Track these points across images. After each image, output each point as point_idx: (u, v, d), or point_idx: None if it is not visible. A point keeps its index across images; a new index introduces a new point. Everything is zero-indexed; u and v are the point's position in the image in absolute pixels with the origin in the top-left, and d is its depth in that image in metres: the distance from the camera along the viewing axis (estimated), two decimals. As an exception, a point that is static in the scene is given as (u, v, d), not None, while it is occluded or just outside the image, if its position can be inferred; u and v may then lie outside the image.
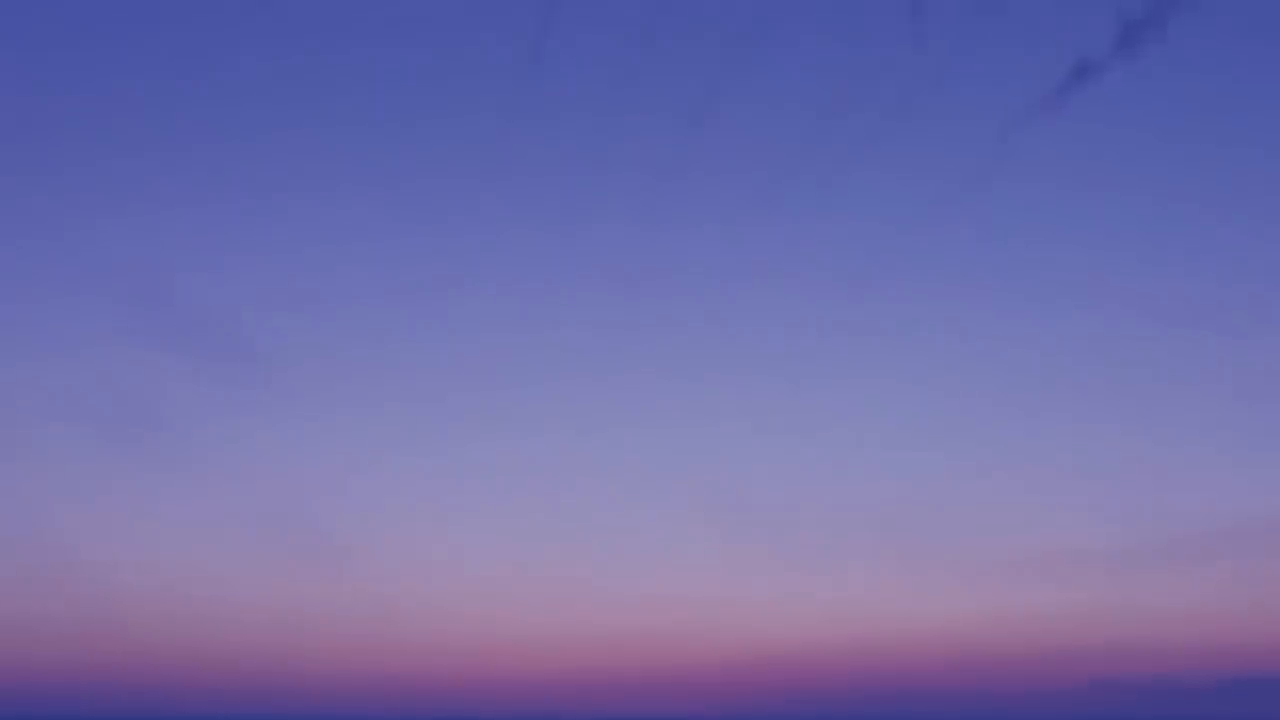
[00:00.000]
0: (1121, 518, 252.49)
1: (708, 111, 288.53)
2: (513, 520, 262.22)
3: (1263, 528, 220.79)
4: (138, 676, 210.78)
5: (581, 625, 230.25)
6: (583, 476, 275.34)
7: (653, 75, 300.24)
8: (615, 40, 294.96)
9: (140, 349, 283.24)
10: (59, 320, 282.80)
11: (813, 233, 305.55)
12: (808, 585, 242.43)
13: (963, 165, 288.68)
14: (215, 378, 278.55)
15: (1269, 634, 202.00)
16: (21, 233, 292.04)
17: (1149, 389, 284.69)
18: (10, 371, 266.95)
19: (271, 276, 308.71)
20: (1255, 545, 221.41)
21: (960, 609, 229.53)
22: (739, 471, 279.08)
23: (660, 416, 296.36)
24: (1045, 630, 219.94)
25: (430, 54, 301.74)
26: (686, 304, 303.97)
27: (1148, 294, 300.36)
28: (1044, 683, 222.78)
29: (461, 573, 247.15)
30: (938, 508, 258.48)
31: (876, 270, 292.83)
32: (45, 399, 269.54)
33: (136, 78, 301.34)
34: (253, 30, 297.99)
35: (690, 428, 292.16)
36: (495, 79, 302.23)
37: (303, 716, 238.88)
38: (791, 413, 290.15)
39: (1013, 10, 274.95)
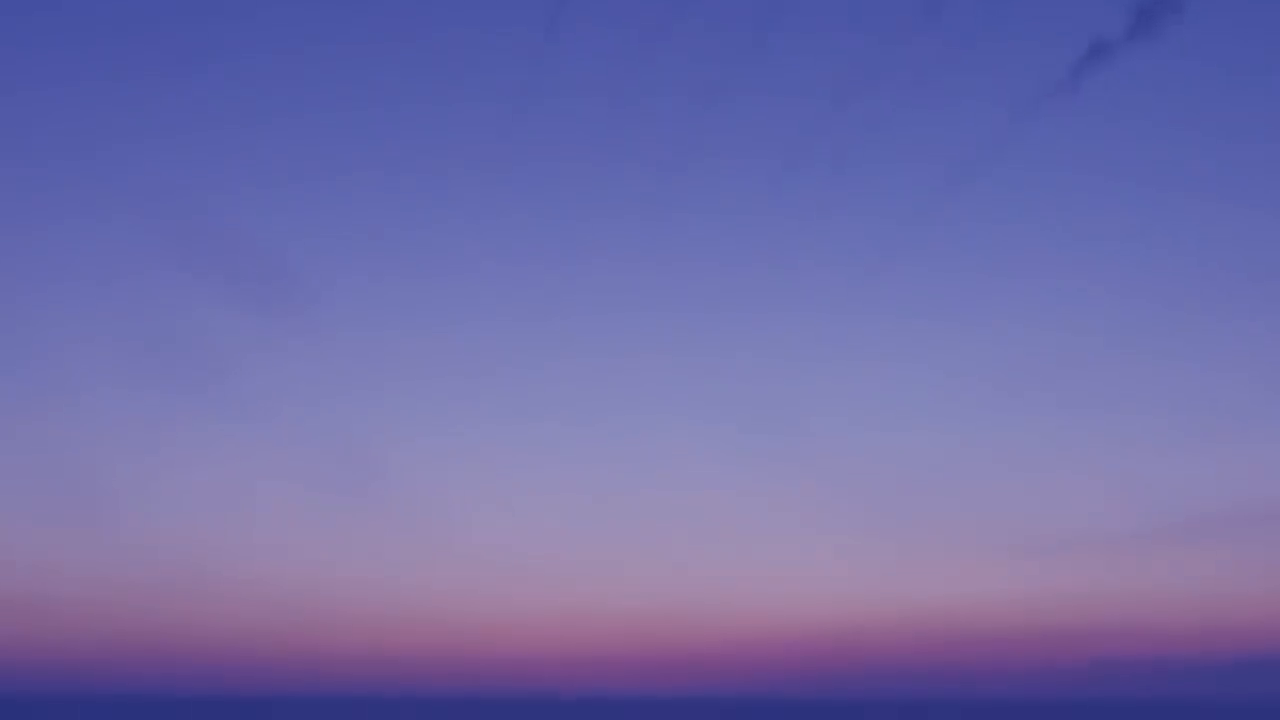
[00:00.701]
0: (1127, 499, 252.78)
1: (718, 97, 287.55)
2: (541, 494, 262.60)
3: (1272, 510, 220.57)
4: (163, 633, 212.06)
5: (610, 604, 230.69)
6: (613, 457, 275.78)
7: (663, 61, 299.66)
8: (626, 26, 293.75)
9: (185, 285, 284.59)
10: (104, 259, 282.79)
11: (822, 216, 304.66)
12: (819, 565, 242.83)
13: (973, 149, 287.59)
14: (263, 324, 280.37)
15: (1277, 615, 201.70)
16: (63, 166, 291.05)
17: (1159, 371, 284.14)
18: (52, 309, 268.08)
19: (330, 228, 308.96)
20: (1263, 527, 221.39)
21: (965, 589, 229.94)
22: (748, 454, 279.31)
23: (670, 399, 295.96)
24: (1048, 610, 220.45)
25: (449, 37, 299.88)
26: (690, 288, 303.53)
27: (1161, 277, 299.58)
28: (1046, 662, 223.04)
29: (502, 544, 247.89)
30: (942, 489, 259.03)
31: (885, 253, 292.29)
32: (87, 336, 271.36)
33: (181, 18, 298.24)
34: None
35: (698, 410, 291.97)
36: (510, 63, 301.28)
37: (340, 677, 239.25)
38: (802, 395, 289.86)
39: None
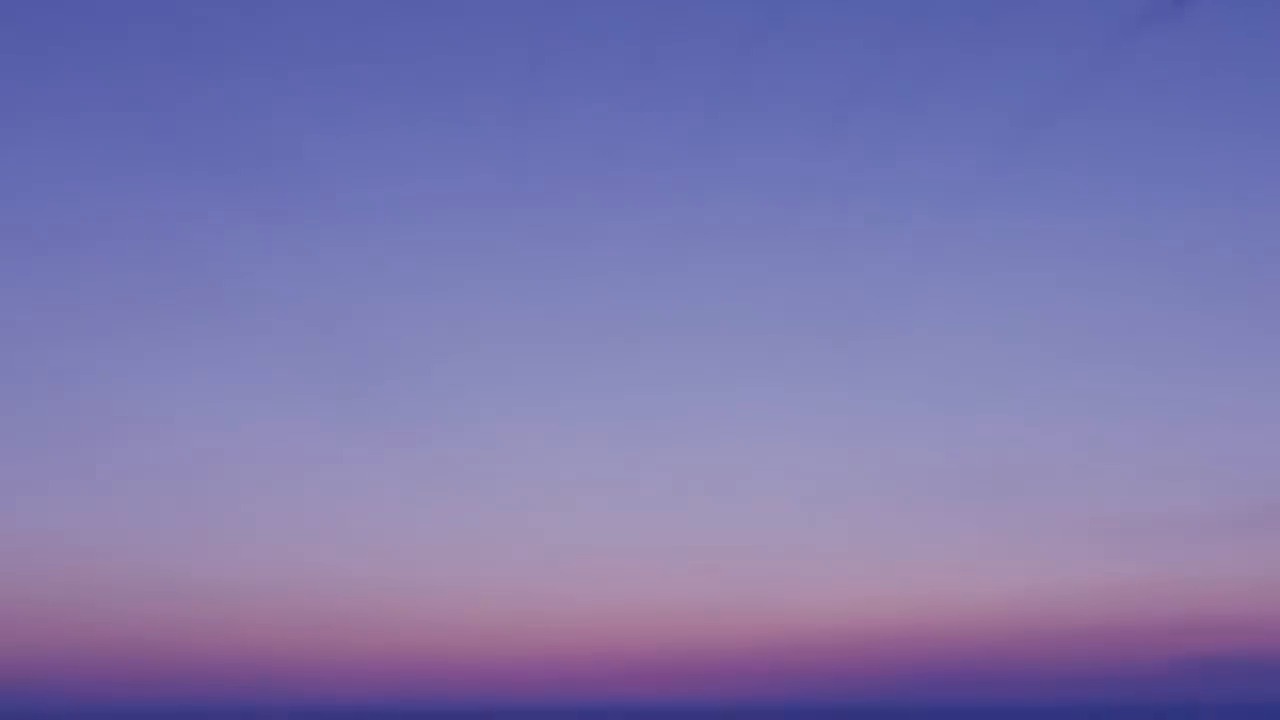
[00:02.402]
0: (1207, 482, 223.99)
1: (761, 40, 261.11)
2: (521, 492, 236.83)
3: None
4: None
5: (628, 601, 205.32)
6: (606, 440, 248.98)
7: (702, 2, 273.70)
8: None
9: (165, 180, 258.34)
10: (70, 154, 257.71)
11: (879, 168, 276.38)
12: (872, 559, 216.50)
13: (1051, 87, 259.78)
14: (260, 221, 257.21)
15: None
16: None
17: (1238, 344, 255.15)
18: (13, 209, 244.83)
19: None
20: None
21: (1028, 581, 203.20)
22: (790, 438, 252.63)
23: (697, 375, 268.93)
24: (1120, 604, 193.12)
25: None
26: (732, 245, 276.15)
27: (1247, 235, 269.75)
28: (1120, 660, 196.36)
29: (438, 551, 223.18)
30: (1002, 474, 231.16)
31: (943, 213, 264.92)
32: (65, 239, 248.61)
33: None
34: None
35: (731, 387, 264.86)
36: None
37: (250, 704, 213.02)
38: (849, 368, 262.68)
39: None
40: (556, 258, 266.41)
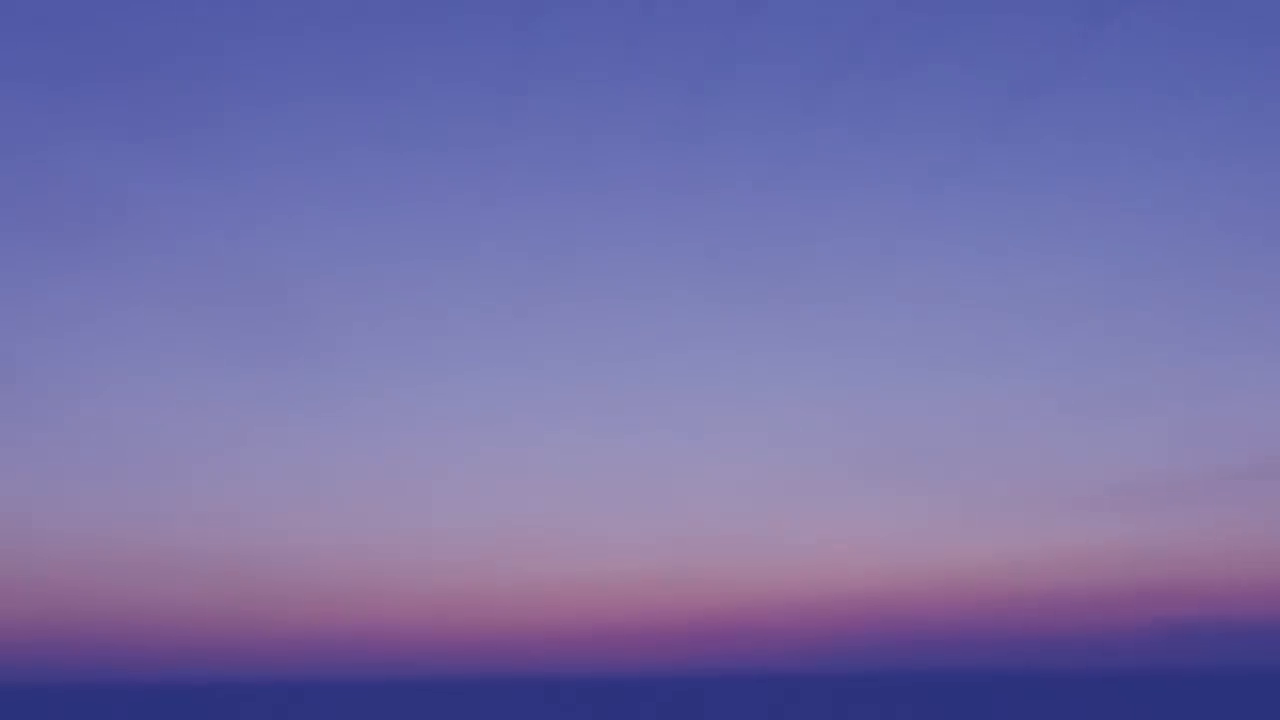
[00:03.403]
0: (1175, 446, 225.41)
1: (752, 2, 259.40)
2: (533, 457, 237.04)
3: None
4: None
5: (614, 570, 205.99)
6: (611, 409, 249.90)
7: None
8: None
9: (66, 115, 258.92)
10: None
11: (868, 134, 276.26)
12: (856, 524, 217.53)
13: (1038, 61, 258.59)
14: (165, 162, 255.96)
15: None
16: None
17: (1207, 310, 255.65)
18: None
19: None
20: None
21: (997, 547, 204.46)
22: (778, 401, 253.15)
23: (694, 343, 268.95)
24: (1090, 569, 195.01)
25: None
26: (727, 216, 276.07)
27: (1226, 204, 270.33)
28: (1091, 625, 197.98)
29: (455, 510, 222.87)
30: (970, 439, 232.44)
31: (935, 177, 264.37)
32: None
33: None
34: None
35: (693, 352, 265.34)
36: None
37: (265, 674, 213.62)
38: (816, 335, 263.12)
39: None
40: (525, 238, 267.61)
